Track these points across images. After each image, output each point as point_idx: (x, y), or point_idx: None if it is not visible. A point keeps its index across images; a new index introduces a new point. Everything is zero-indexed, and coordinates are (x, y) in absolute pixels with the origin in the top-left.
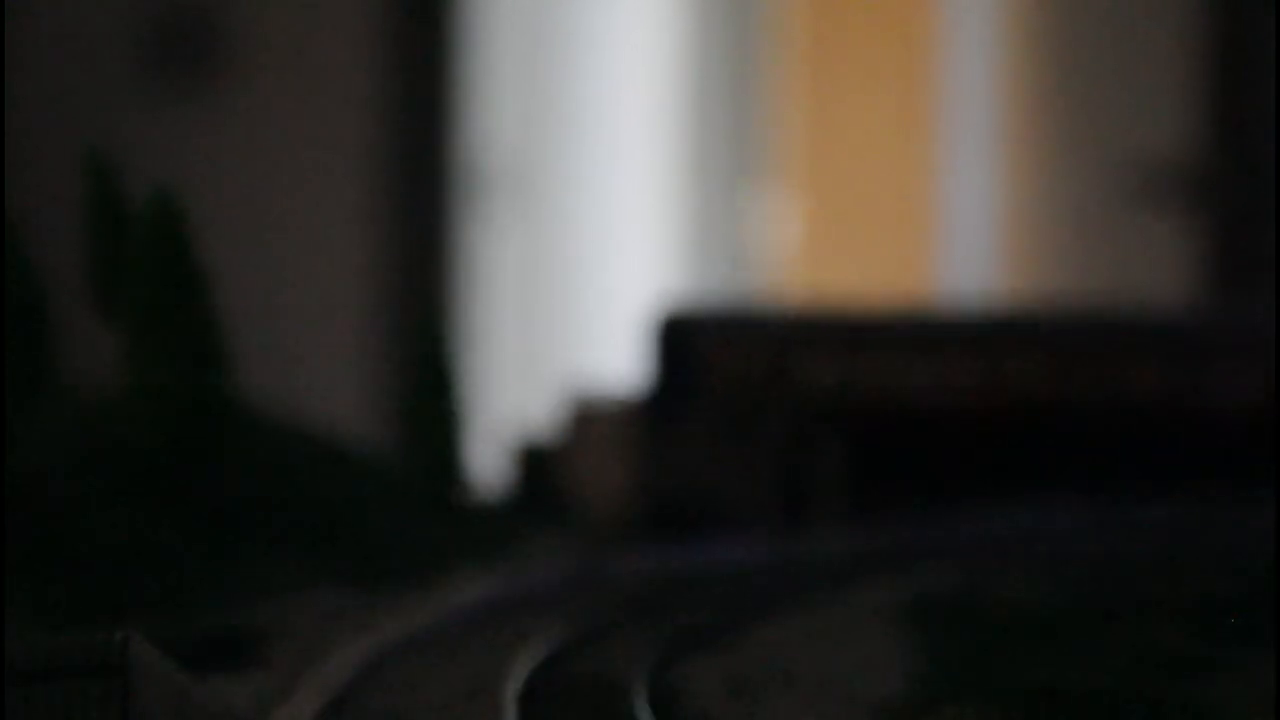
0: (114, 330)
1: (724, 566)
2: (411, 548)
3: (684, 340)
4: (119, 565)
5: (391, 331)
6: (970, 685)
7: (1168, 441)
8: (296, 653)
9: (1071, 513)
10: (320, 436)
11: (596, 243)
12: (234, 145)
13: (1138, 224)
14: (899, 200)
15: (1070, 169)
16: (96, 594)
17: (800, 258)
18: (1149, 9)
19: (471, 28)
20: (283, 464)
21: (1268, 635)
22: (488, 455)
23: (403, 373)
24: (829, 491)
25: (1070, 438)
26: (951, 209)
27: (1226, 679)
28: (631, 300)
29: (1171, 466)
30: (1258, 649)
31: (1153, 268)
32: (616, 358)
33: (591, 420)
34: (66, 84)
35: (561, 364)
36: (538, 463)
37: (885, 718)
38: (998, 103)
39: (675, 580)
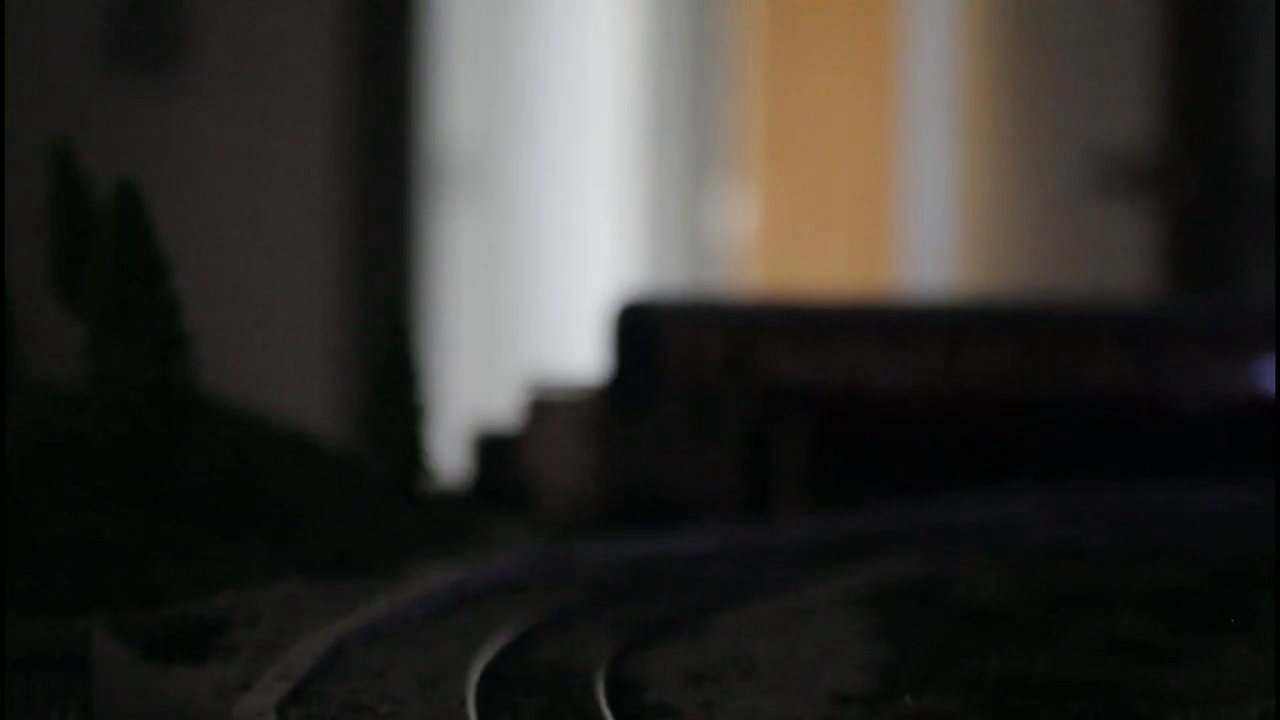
0: (77, 320)
1: (685, 555)
2: (374, 537)
3: (644, 330)
4: (84, 557)
5: (354, 323)
6: (931, 673)
7: (1127, 431)
8: (259, 642)
9: (1032, 502)
10: (283, 426)
11: (557, 235)
12: (197, 138)
13: (1097, 216)
14: (860, 192)
15: (1030, 161)
16: (61, 586)
17: (760, 249)
18: (1108, 4)
19: (434, 22)
20: (246, 454)
21: (1226, 623)
22: (450, 445)
23: (366, 363)
24: (790, 481)
25: (1031, 427)
26: (913, 201)
27: (1185, 666)
28: (592, 291)
29: (1131, 456)
30: (1216, 637)
31: (1111, 259)
32: (577, 348)
33: (552, 410)
34: (30, 78)
35: (522, 354)
36: (499, 452)
37: (845, 706)
38: (959, 96)
39: (636, 569)
